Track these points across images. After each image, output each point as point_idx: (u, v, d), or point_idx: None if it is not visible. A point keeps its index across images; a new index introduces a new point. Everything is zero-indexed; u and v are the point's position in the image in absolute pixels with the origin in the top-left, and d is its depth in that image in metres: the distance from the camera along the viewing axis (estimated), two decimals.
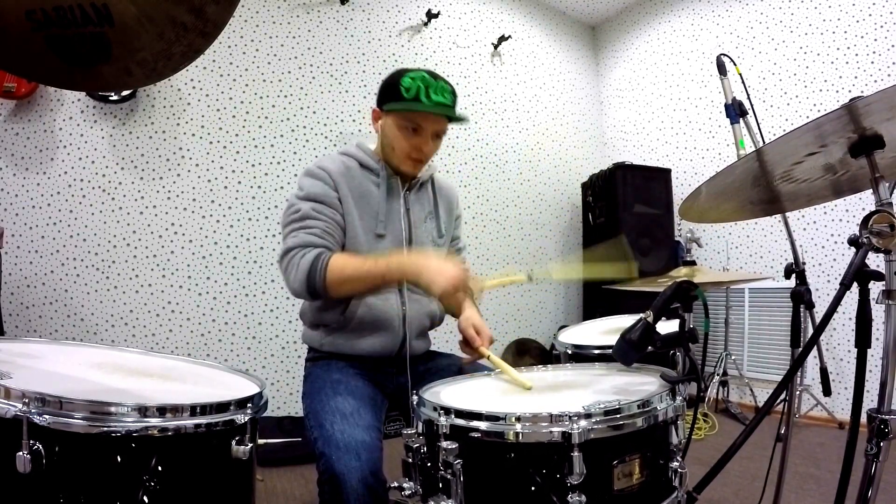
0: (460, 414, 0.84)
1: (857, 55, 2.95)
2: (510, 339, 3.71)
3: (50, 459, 0.69)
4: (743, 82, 1.52)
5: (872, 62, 2.89)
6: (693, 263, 1.61)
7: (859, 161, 0.85)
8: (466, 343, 1.30)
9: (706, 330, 0.96)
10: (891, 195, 0.84)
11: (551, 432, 0.78)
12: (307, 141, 3.11)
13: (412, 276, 1.17)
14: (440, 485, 0.82)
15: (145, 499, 0.74)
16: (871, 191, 0.85)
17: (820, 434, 2.74)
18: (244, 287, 2.89)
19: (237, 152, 2.92)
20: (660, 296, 0.92)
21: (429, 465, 0.87)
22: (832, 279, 3.03)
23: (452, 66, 3.66)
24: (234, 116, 2.91)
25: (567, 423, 0.77)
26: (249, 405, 0.87)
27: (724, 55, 1.50)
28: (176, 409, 0.77)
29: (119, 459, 0.74)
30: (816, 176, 0.98)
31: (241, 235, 2.90)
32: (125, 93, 2.57)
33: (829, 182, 1.02)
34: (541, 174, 4.09)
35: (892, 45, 2.81)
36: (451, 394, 1.04)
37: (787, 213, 1.43)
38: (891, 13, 2.82)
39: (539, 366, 1.27)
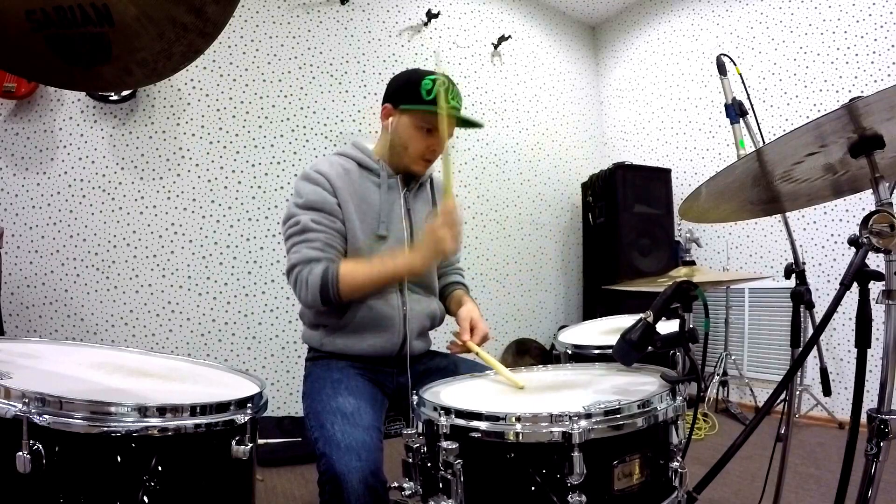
0: (460, 414, 0.84)
1: (857, 55, 2.95)
2: (510, 339, 3.71)
3: (50, 459, 0.69)
4: (743, 82, 1.52)
5: (872, 62, 2.89)
6: (692, 263, 1.62)
7: (859, 161, 0.85)
8: (457, 334, 1.31)
9: (706, 330, 0.96)
10: (891, 195, 0.84)
11: (551, 432, 0.78)
12: (307, 141, 3.12)
13: (419, 260, 1.22)
14: (440, 485, 0.82)
15: (145, 499, 0.74)
16: (871, 191, 0.85)
17: (820, 434, 2.74)
18: (244, 287, 2.90)
19: (237, 152, 2.92)
20: (660, 296, 0.92)
21: (429, 465, 0.87)
22: (832, 279, 3.03)
23: (452, 66, 3.66)
24: (234, 116, 2.91)
25: (567, 423, 0.77)
26: (249, 405, 0.87)
27: (724, 55, 1.50)
28: (176, 409, 0.77)
29: (119, 459, 0.74)
30: (816, 176, 0.98)
31: (241, 235, 2.90)
32: (125, 93, 2.57)
33: (829, 182, 1.02)
34: (541, 174, 4.09)
35: (892, 45, 2.81)
36: (452, 394, 1.04)
37: (787, 213, 1.43)
38: (891, 13, 2.82)
39: (539, 366, 1.27)
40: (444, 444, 0.81)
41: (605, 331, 1.72)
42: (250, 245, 2.92)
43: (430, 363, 1.41)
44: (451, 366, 1.37)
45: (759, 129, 1.47)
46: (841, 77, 3.02)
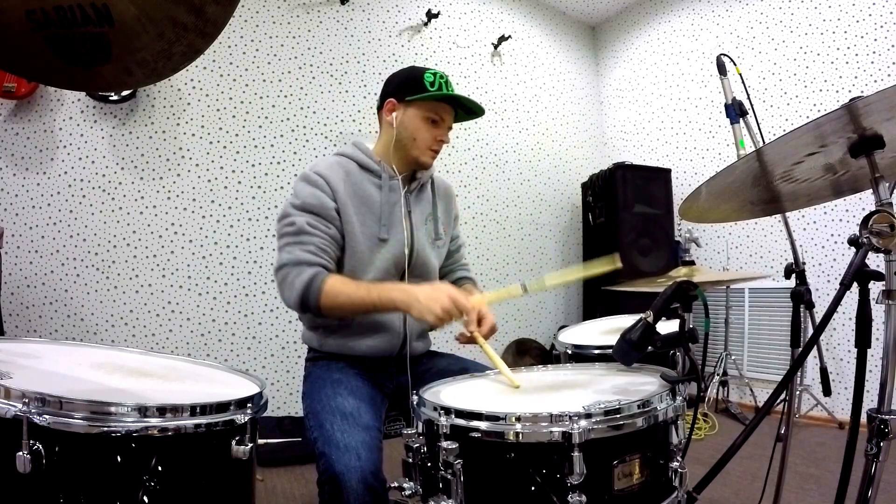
0: (460, 414, 0.84)
1: (857, 55, 2.95)
2: (510, 339, 3.71)
3: (50, 459, 0.69)
4: (743, 82, 1.52)
5: (872, 62, 2.89)
6: (692, 263, 1.62)
7: (859, 161, 0.85)
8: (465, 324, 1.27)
9: (706, 330, 0.96)
10: (891, 195, 0.84)
11: (551, 432, 0.78)
12: (307, 141, 3.12)
13: (403, 307, 1.16)
14: (440, 485, 0.82)
15: (145, 499, 0.74)
16: (871, 191, 0.85)
17: (820, 434, 2.74)
18: (244, 287, 2.90)
19: (237, 152, 2.92)
20: (660, 296, 0.92)
21: (429, 465, 0.87)
22: (832, 279, 3.03)
23: (452, 66, 3.66)
24: (234, 116, 2.91)
25: (567, 422, 0.77)
26: (249, 405, 0.87)
27: (724, 55, 1.50)
28: (176, 409, 0.77)
29: (119, 459, 0.74)
30: (816, 176, 0.98)
31: (241, 235, 2.90)
32: (125, 93, 2.58)
33: (829, 182, 1.02)
34: (541, 174, 4.09)
35: (892, 45, 2.81)
36: (452, 394, 1.04)
37: (787, 213, 1.43)
38: (891, 13, 2.82)
39: (539, 366, 1.27)
40: (444, 444, 0.81)
41: (605, 331, 1.72)
42: (250, 245, 2.92)
43: (431, 363, 1.41)
44: (451, 366, 1.37)
45: (759, 129, 1.47)
46: (841, 77, 3.03)
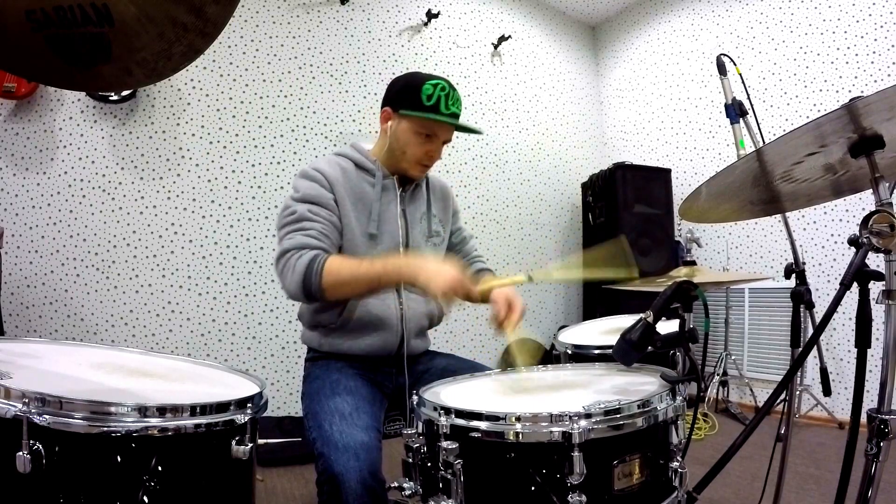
0: (460, 414, 0.84)
1: (857, 55, 2.95)
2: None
3: (50, 459, 0.69)
4: (743, 82, 1.52)
5: (872, 62, 2.89)
6: (693, 263, 1.61)
7: (859, 161, 0.85)
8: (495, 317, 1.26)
9: (706, 330, 0.96)
10: (891, 195, 0.84)
11: (551, 432, 0.78)
12: (307, 141, 3.12)
13: (409, 278, 1.15)
14: (440, 485, 0.82)
15: (145, 499, 0.74)
16: (871, 191, 0.85)
17: (820, 434, 2.74)
18: (244, 287, 2.89)
19: (237, 152, 2.92)
20: (660, 296, 0.92)
21: (429, 465, 0.87)
22: (832, 279, 3.03)
23: (452, 66, 3.66)
24: (234, 116, 2.91)
25: (567, 422, 0.77)
26: (249, 405, 0.87)
27: (724, 55, 1.50)
28: (176, 409, 0.77)
29: (119, 459, 0.74)
30: (816, 176, 0.98)
31: (241, 235, 2.90)
32: (125, 93, 2.57)
33: (829, 182, 1.02)
34: (541, 174, 4.09)
35: (892, 45, 2.81)
36: (451, 394, 1.04)
37: (787, 213, 1.43)
38: (891, 13, 2.82)
39: (539, 366, 1.27)
40: (444, 444, 0.81)
41: (605, 331, 1.72)
42: (250, 245, 2.92)
43: (430, 363, 1.41)
44: (450, 365, 1.37)
45: (759, 129, 1.47)
46: (841, 77, 3.02)
